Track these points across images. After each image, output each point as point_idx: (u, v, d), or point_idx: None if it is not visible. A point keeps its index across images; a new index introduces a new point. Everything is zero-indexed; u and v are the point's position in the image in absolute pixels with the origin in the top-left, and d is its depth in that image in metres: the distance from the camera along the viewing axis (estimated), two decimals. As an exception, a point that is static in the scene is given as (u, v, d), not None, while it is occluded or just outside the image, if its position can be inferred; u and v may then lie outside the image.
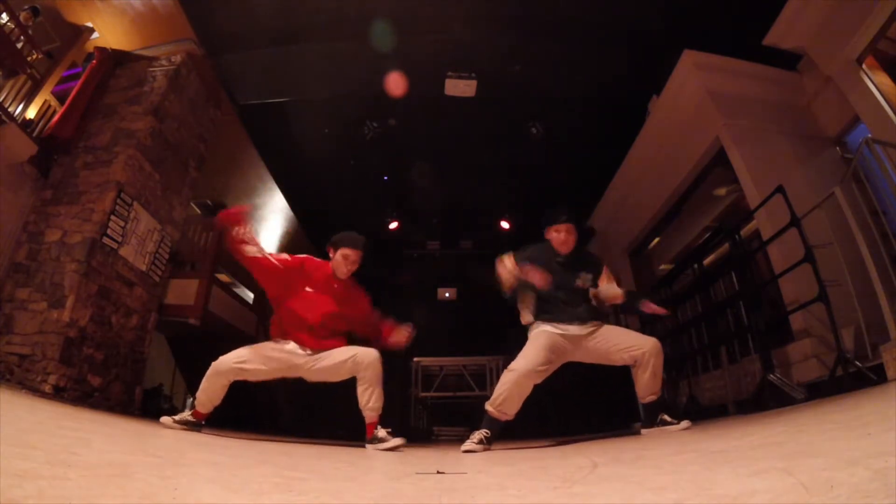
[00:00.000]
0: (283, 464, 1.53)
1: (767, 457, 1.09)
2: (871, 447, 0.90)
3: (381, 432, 2.59)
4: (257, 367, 2.69)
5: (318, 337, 2.77)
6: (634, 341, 2.66)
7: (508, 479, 1.20)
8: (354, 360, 2.66)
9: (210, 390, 2.64)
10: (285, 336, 2.79)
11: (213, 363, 2.66)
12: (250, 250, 2.68)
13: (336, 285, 2.88)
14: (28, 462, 0.85)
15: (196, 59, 5.27)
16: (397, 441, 2.55)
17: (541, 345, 2.63)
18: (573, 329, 2.69)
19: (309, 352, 2.75)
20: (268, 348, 2.77)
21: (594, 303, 2.85)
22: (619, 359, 2.68)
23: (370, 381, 2.64)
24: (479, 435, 2.51)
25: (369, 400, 2.63)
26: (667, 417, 2.63)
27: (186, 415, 2.68)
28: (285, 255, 2.87)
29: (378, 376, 2.66)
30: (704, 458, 1.22)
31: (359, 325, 3.01)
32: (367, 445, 2.58)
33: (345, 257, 2.87)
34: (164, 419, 2.67)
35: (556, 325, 2.71)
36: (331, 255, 2.92)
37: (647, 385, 2.62)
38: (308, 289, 2.80)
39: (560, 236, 2.80)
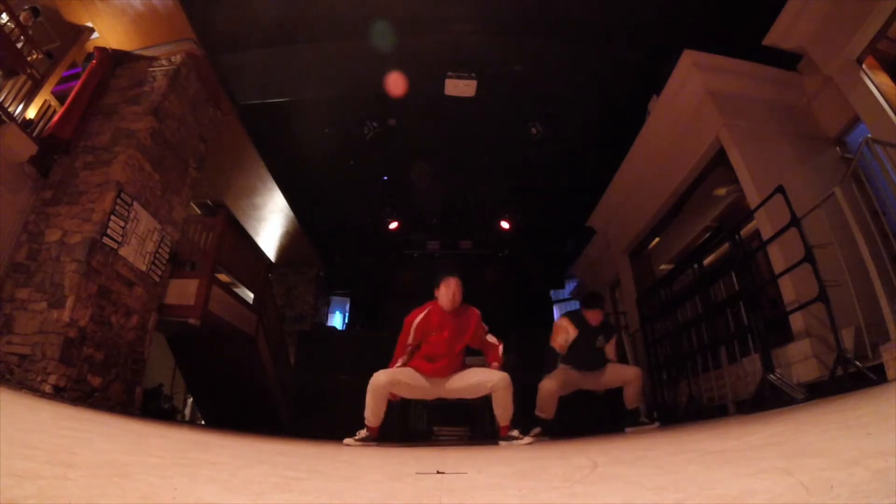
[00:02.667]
0: (283, 464, 1.53)
1: (767, 457, 1.09)
2: (871, 447, 0.90)
3: (514, 432, 3.11)
4: (407, 384, 3.08)
5: (447, 369, 3.15)
6: (624, 372, 3.97)
7: (508, 479, 1.20)
8: (489, 386, 3.09)
9: (373, 406, 3.01)
10: (420, 370, 3.15)
11: (371, 381, 3.02)
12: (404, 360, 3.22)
13: (450, 319, 3.21)
14: (28, 462, 0.85)
15: (196, 59, 5.27)
16: (528, 439, 3.11)
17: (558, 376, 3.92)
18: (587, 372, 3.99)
19: (443, 379, 3.17)
20: (415, 377, 3.13)
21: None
22: (616, 384, 3.97)
23: (501, 398, 3.09)
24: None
25: (502, 411, 3.12)
26: (644, 419, 3.88)
27: (362, 433, 3.06)
28: (412, 326, 3.23)
29: (508, 394, 3.09)
30: (704, 458, 1.22)
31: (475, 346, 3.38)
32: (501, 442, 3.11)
33: (447, 286, 3.21)
34: (347, 440, 3.06)
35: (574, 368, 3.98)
36: (436, 293, 3.27)
37: (630, 398, 3.90)
38: (432, 334, 3.19)
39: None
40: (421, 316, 3.22)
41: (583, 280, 10.33)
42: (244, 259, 6.48)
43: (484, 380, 3.10)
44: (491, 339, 3.38)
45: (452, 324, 3.19)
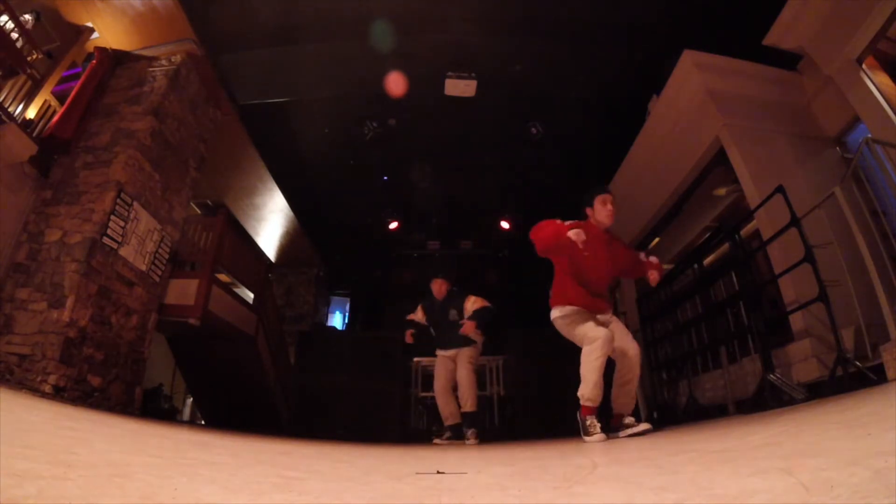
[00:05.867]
0: (283, 464, 1.53)
1: (767, 457, 1.09)
2: (871, 447, 0.90)
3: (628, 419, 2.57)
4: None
5: (604, 300, 2.72)
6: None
7: (508, 479, 1.20)
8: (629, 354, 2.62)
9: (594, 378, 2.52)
10: (582, 304, 2.63)
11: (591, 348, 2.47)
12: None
13: (605, 240, 2.75)
14: (28, 462, 0.85)
15: (196, 59, 5.27)
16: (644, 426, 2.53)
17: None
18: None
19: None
20: (584, 319, 2.61)
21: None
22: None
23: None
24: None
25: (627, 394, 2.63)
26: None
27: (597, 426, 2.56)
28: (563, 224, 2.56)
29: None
30: (704, 458, 1.22)
31: (627, 271, 2.90)
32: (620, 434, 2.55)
33: (604, 203, 2.72)
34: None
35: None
36: (589, 212, 2.77)
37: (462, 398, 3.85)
38: (585, 253, 2.57)
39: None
40: (572, 222, 2.58)
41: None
42: (244, 259, 6.47)
43: (624, 346, 2.58)
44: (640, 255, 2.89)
45: (604, 241, 2.69)
